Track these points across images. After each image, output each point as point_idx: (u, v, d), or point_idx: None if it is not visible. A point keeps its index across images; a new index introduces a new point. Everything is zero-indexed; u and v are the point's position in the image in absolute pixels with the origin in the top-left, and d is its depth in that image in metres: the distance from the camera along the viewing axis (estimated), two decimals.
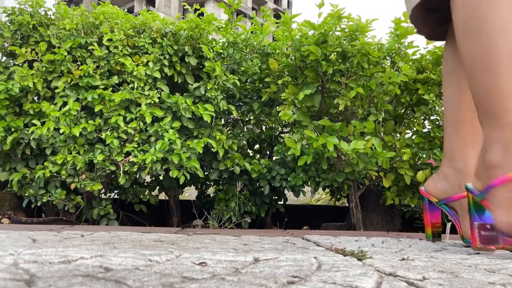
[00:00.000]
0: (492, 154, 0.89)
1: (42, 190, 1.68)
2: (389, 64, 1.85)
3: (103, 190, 1.78)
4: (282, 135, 2.04)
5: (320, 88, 1.72)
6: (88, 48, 1.69)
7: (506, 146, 0.87)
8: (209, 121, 1.67)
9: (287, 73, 1.78)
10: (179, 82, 1.78)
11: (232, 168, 1.80)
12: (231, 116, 1.96)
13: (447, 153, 1.11)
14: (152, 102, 1.66)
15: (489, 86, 0.90)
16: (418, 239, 1.26)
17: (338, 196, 2.06)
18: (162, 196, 2.06)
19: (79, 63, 1.69)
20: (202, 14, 1.90)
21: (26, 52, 1.65)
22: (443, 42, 1.79)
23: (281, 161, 1.83)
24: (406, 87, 1.79)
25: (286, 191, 1.98)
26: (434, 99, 1.71)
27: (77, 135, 1.58)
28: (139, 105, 1.68)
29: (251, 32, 1.91)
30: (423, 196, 1.19)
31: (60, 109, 1.63)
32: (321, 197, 3.62)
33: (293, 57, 1.76)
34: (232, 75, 1.76)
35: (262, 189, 1.84)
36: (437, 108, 1.74)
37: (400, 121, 1.83)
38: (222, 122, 1.93)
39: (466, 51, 0.94)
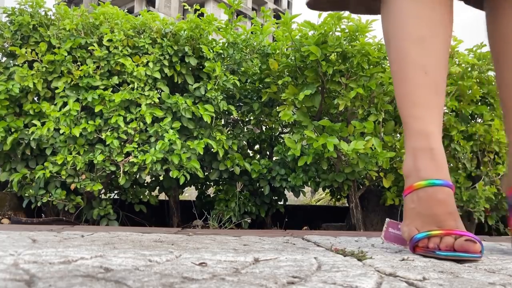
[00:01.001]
0: (405, 162, 0.89)
1: (42, 190, 1.68)
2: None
3: (103, 191, 1.78)
4: (282, 135, 2.04)
5: (320, 88, 1.72)
6: (88, 48, 1.69)
7: (413, 154, 0.87)
8: (209, 122, 1.67)
9: (287, 73, 1.78)
10: (179, 82, 1.78)
11: (232, 169, 1.80)
12: (231, 116, 1.96)
13: None
14: (152, 102, 1.66)
15: (400, 94, 0.91)
16: None
17: (338, 197, 2.06)
18: (162, 196, 2.06)
19: (79, 63, 1.69)
20: (202, 14, 1.90)
21: (26, 52, 1.65)
22: None
23: (281, 161, 1.83)
24: None
25: (286, 192, 1.98)
26: None
27: (77, 135, 1.58)
28: (139, 105, 1.68)
29: (251, 33, 1.91)
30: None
31: (60, 109, 1.63)
32: (321, 198, 3.62)
33: (293, 58, 1.76)
34: (232, 76, 1.76)
35: (262, 190, 1.84)
36: None
37: (400, 121, 1.83)
38: (222, 122, 1.93)
39: (388, 58, 0.96)
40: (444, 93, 0.91)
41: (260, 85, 1.88)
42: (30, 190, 1.67)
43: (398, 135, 1.82)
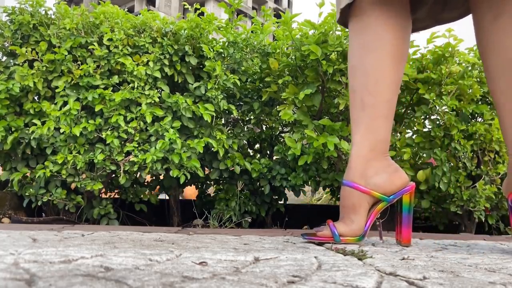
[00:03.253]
0: None
1: (43, 189, 1.68)
2: None
3: (103, 190, 1.78)
4: (283, 134, 2.04)
5: (320, 87, 1.72)
6: (89, 47, 1.69)
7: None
8: (209, 121, 1.67)
9: (288, 72, 1.78)
10: (180, 81, 1.78)
11: (233, 168, 1.80)
12: (232, 115, 1.96)
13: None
14: (153, 101, 1.66)
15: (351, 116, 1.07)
16: (419, 238, 1.26)
17: (339, 196, 2.06)
18: (162, 196, 2.06)
19: (79, 62, 1.69)
20: (202, 13, 1.90)
21: (26, 51, 1.65)
22: (445, 41, 1.78)
23: (282, 160, 1.83)
24: (406, 86, 1.79)
25: (286, 191, 1.98)
26: (434, 98, 1.71)
27: (78, 134, 1.58)
28: (140, 104, 1.68)
29: (252, 32, 1.91)
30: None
31: (60, 108, 1.63)
32: (322, 197, 3.62)
33: (293, 57, 1.76)
34: (233, 75, 1.76)
35: (263, 189, 1.84)
36: (437, 107, 1.74)
37: (401, 120, 1.83)
38: (223, 121, 1.93)
39: None
40: (374, 107, 1.02)
41: (261, 85, 1.88)
42: (31, 190, 1.67)
43: (398, 134, 1.82)
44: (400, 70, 1.04)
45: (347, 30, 1.65)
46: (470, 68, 1.82)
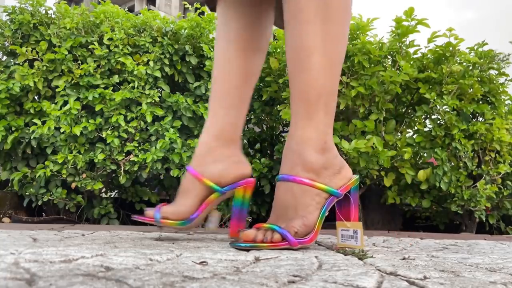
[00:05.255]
0: None
1: (43, 189, 1.68)
2: (390, 63, 1.85)
3: (103, 189, 1.78)
4: (283, 134, 2.04)
5: None
6: (89, 47, 1.69)
7: None
8: None
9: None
10: (180, 81, 1.78)
11: None
12: None
13: None
14: (153, 101, 1.66)
15: None
16: (419, 238, 1.26)
17: None
18: (162, 195, 2.06)
19: (79, 62, 1.69)
20: (202, 13, 1.89)
21: (26, 51, 1.65)
22: (445, 40, 1.79)
23: None
24: (407, 86, 1.79)
25: None
26: (435, 98, 1.71)
27: (78, 134, 1.58)
28: (140, 104, 1.68)
29: None
30: None
31: (60, 108, 1.63)
32: None
33: None
34: None
35: (263, 189, 1.84)
36: (438, 107, 1.74)
37: (401, 120, 1.83)
38: None
39: None
40: (222, 95, 1.02)
41: (261, 84, 1.88)
42: (31, 189, 1.67)
43: (399, 134, 1.81)
44: (251, 58, 1.03)
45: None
46: (471, 67, 1.82)
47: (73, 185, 1.64)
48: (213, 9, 1.10)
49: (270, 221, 0.87)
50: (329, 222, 2.19)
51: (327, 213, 0.87)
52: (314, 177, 0.85)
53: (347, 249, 0.87)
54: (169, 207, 0.97)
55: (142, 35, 1.74)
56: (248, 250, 0.79)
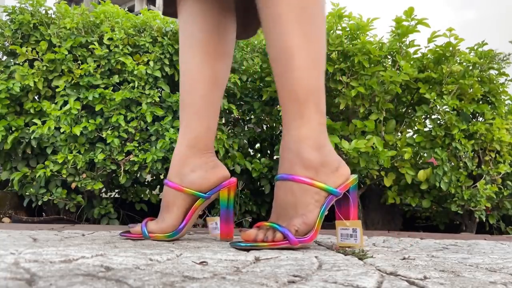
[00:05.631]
0: None
1: (43, 189, 1.68)
2: (390, 63, 1.85)
3: (103, 189, 1.78)
4: None
5: None
6: (89, 47, 1.69)
7: None
8: None
9: None
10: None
11: (233, 168, 1.80)
12: (232, 115, 1.95)
13: None
14: (153, 101, 1.66)
15: None
16: (419, 238, 1.26)
17: None
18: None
19: (79, 62, 1.69)
20: None
21: (26, 51, 1.65)
22: (445, 40, 1.79)
23: None
24: (407, 86, 1.79)
25: None
26: (435, 98, 1.71)
27: (78, 134, 1.58)
28: (140, 104, 1.68)
29: None
30: None
31: (60, 108, 1.63)
32: None
33: None
34: (233, 74, 1.75)
35: (263, 189, 1.84)
36: (438, 107, 1.74)
37: (401, 120, 1.83)
38: (223, 121, 1.93)
39: None
40: (190, 104, 1.03)
41: (261, 84, 1.88)
42: (31, 189, 1.67)
43: (399, 134, 1.81)
44: (216, 66, 1.03)
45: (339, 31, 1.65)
46: (471, 67, 1.82)
47: (73, 185, 1.64)
48: (172, 14, 1.11)
49: (271, 220, 0.87)
50: (328, 222, 2.20)
51: (326, 212, 0.87)
52: (313, 175, 0.86)
53: (347, 249, 0.87)
54: (154, 224, 1.00)
55: (142, 35, 1.74)
56: (248, 250, 0.79)
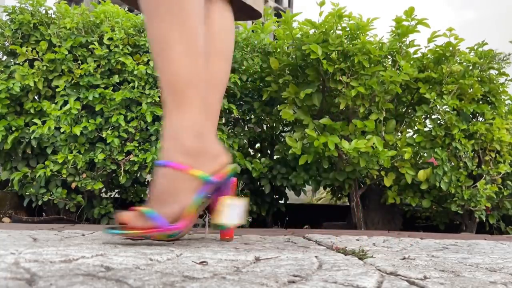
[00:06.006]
0: None
1: (43, 189, 1.68)
2: (390, 63, 1.85)
3: (103, 189, 1.78)
4: (283, 134, 2.04)
5: (321, 87, 1.72)
6: (89, 47, 1.69)
7: None
8: None
9: (288, 72, 1.78)
10: None
11: None
12: (232, 115, 1.95)
13: None
14: (153, 101, 1.66)
15: None
16: (419, 238, 1.26)
17: (339, 195, 2.06)
18: None
19: (79, 62, 1.69)
20: None
21: (26, 51, 1.65)
22: (445, 40, 1.79)
23: (282, 160, 1.83)
24: (407, 86, 1.79)
25: (287, 190, 1.98)
26: (435, 98, 1.71)
27: (78, 134, 1.58)
28: (140, 104, 1.68)
29: (252, 31, 1.91)
30: None
31: (60, 108, 1.63)
32: (322, 196, 3.62)
33: (294, 56, 1.75)
34: (233, 74, 1.75)
35: (263, 188, 1.84)
36: (438, 107, 1.74)
37: (401, 120, 1.83)
38: (223, 121, 1.93)
39: None
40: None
41: (261, 84, 1.88)
42: (31, 189, 1.67)
43: (399, 133, 1.81)
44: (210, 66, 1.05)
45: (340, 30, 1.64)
46: (471, 67, 1.82)
47: (73, 185, 1.64)
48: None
49: (147, 206, 0.87)
50: (328, 222, 2.19)
51: (203, 200, 0.88)
52: (190, 163, 0.87)
53: (347, 248, 0.87)
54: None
55: (142, 35, 1.74)
56: (120, 235, 0.81)
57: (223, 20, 1.07)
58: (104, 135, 1.62)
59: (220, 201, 0.90)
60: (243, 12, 1.15)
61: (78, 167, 1.61)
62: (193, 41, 0.89)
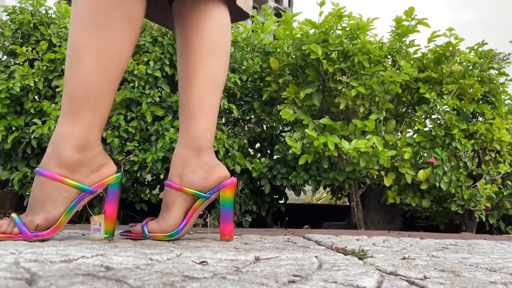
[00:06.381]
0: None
1: None
2: (390, 63, 1.85)
3: None
4: (283, 134, 2.04)
5: (321, 87, 1.72)
6: None
7: None
8: None
9: (288, 72, 1.78)
10: None
11: (233, 167, 1.80)
12: (232, 115, 1.95)
13: None
14: (153, 101, 1.66)
15: None
16: (419, 238, 1.26)
17: (339, 195, 2.06)
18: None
19: None
20: None
21: (26, 51, 1.65)
22: (445, 40, 1.79)
23: (282, 160, 1.83)
24: (407, 86, 1.79)
25: (287, 190, 1.98)
26: (435, 97, 1.71)
27: None
28: (140, 104, 1.68)
29: (252, 31, 1.91)
30: None
31: (61, 108, 1.63)
32: (322, 196, 3.62)
33: (294, 56, 1.75)
34: (233, 74, 1.75)
35: (263, 188, 1.84)
36: (438, 107, 1.74)
37: (401, 120, 1.83)
38: (223, 121, 1.93)
39: None
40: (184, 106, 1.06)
41: (261, 84, 1.88)
42: (31, 189, 1.67)
43: (399, 133, 1.81)
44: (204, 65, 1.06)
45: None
46: (471, 67, 1.82)
47: None
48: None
49: (25, 213, 0.90)
50: (328, 222, 2.19)
51: (79, 208, 0.92)
52: (67, 173, 0.88)
53: (347, 248, 0.87)
54: (155, 223, 1.01)
55: (142, 35, 1.74)
56: None
57: (220, 19, 1.07)
58: (104, 135, 1.62)
59: (90, 220, 0.95)
60: (232, 12, 1.15)
61: None
62: (105, 58, 0.89)
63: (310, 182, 1.79)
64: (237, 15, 1.15)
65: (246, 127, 1.96)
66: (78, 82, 0.89)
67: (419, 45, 1.81)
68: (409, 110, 1.89)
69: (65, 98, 0.91)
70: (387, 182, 1.74)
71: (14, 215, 0.87)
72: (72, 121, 0.89)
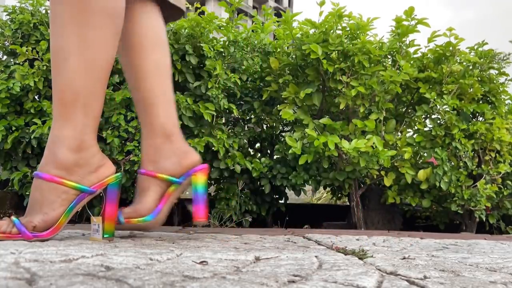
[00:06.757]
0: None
1: None
2: (390, 62, 1.85)
3: None
4: (283, 134, 2.04)
5: (321, 86, 1.72)
6: None
7: None
8: (209, 120, 1.67)
9: (288, 71, 1.78)
10: (180, 81, 1.78)
11: (233, 167, 1.80)
12: (232, 115, 1.95)
13: None
14: None
15: None
16: (419, 238, 1.26)
17: (339, 195, 2.06)
18: None
19: None
20: (203, 12, 1.89)
21: (27, 51, 1.65)
22: (445, 40, 1.79)
23: (282, 160, 1.83)
24: (407, 85, 1.79)
25: (287, 190, 1.98)
26: (435, 97, 1.71)
27: None
28: None
29: (252, 31, 1.91)
30: None
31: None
32: (322, 196, 3.62)
33: (294, 56, 1.75)
34: (233, 74, 1.75)
35: (263, 188, 1.84)
36: (438, 106, 1.74)
37: (401, 119, 1.83)
38: (223, 121, 1.93)
39: None
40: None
41: (261, 84, 1.88)
42: (31, 189, 1.67)
43: (399, 133, 1.81)
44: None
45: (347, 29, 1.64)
46: (471, 67, 1.82)
47: None
48: None
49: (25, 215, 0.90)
50: (328, 222, 2.19)
51: (79, 208, 0.92)
52: (64, 175, 0.89)
53: (347, 248, 0.87)
54: (129, 208, 1.02)
55: None
56: None
57: (148, 17, 1.07)
58: (104, 135, 1.62)
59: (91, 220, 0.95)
60: (165, 9, 1.14)
61: None
62: (89, 54, 0.88)
63: (310, 182, 1.79)
64: (169, 11, 1.14)
65: (246, 127, 1.96)
66: (66, 83, 0.88)
67: (419, 45, 1.81)
68: (409, 110, 1.89)
69: (55, 100, 0.90)
70: (387, 182, 1.74)
71: (13, 217, 0.87)
72: (64, 123, 0.89)
